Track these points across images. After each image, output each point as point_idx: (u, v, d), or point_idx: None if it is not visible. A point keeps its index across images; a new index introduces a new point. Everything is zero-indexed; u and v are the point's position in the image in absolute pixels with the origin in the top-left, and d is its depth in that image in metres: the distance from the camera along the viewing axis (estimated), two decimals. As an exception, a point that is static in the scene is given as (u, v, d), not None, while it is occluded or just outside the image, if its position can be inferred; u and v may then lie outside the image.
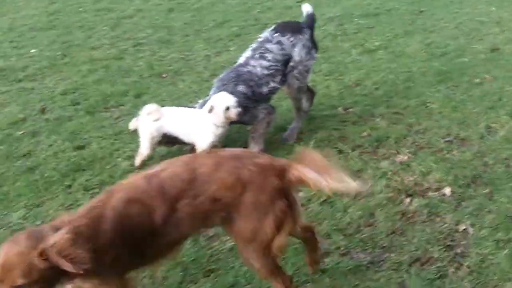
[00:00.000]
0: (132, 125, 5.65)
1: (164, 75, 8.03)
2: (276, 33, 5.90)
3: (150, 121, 5.45)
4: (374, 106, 6.81)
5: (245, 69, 5.75)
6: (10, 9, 11.76)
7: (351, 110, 6.75)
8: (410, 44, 9.06)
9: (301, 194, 4.96)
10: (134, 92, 7.40)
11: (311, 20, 6.21)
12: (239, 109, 5.36)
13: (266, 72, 5.72)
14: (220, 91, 5.58)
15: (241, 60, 5.89)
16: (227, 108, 5.30)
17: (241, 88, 5.61)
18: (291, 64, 5.88)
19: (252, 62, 5.76)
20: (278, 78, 5.80)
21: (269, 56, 5.76)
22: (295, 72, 5.93)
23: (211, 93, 5.71)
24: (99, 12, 11.43)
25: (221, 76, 5.89)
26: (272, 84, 5.76)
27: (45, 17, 11.10)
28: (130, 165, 5.57)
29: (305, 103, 6.28)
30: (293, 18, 10.42)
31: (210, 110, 5.31)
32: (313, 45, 6.08)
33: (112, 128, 6.43)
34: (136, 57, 8.82)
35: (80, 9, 11.69)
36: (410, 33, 9.70)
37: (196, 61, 8.60)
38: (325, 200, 4.89)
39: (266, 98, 5.81)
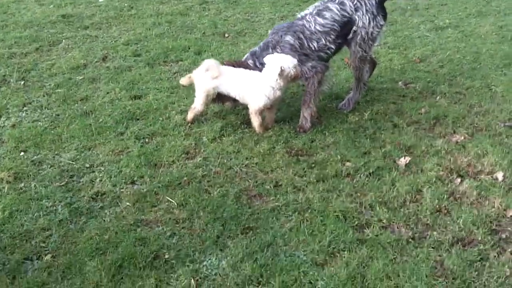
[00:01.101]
0: (183, 80, 5.67)
1: (226, 35, 8.02)
2: None
3: (207, 78, 5.44)
4: (436, 83, 6.63)
5: (300, 22, 5.66)
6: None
7: (411, 85, 6.59)
8: (482, 25, 8.73)
9: (348, 164, 4.93)
10: (195, 49, 7.41)
11: None
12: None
13: (319, 28, 5.57)
14: (269, 40, 5.59)
15: (300, 14, 5.82)
16: (294, 67, 5.25)
17: (288, 38, 5.54)
18: (354, 29, 5.72)
19: (309, 18, 5.65)
20: (332, 37, 5.61)
21: (327, 14, 5.61)
22: (358, 38, 5.73)
23: (261, 43, 5.69)
24: (170, -32, 11.46)
25: (276, 26, 5.84)
26: (323, 41, 5.59)
27: (117, -32, 11.20)
28: (182, 119, 5.61)
29: (365, 74, 6.14)
30: (364, -11, 10.29)
31: (281, 73, 5.25)
32: (380, 12, 5.83)
33: (169, 81, 6.47)
34: (201, 14, 8.83)
35: (152, -37, 11.74)
36: (483, 13, 9.36)
37: (260, 24, 8.54)
38: (373, 172, 4.83)
39: (316, 56, 5.64)
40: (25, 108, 5.82)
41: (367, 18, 5.69)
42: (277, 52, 5.51)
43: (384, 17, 5.88)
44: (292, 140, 5.35)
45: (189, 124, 5.54)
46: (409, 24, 8.74)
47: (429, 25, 8.72)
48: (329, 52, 5.70)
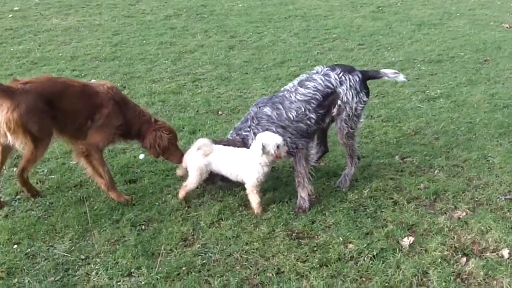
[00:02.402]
0: (179, 171, 5.67)
1: (220, 112, 8.01)
2: (327, 68, 5.79)
3: (199, 156, 5.40)
4: (433, 156, 6.59)
5: (281, 94, 5.67)
6: (74, 37, 11.98)
7: (408, 159, 6.55)
8: (473, 94, 8.78)
9: (351, 246, 4.82)
10: (189, 128, 7.38)
11: (375, 74, 6.06)
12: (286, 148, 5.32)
13: (300, 97, 5.53)
14: (249, 113, 5.63)
15: (284, 87, 5.82)
16: (277, 147, 5.21)
17: (266, 109, 5.52)
18: (339, 103, 5.68)
19: (291, 88, 5.65)
20: (312, 106, 5.54)
21: (310, 84, 5.59)
22: (344, 114, 5.70)
23: (243, 118, 5.70)
24: (162, 46, 11.54)
25: (259, 99, 5.84)
26: (302, 110, 5.51)
27: (109, 47, 11.26)
28: (179, 203, 5.51)
29: (356, 149, 6.08)
30: (354, 61, 10.41)
31: (263, 150, 5.22)
32: (363, 89, 5.81)
33: (164, 163, 6.38)
34: (194, 92, 8.83)
35: (144, 42, 11.83)
36: (474, 82, 9.42)
37: (253, 100, 8.52)
38: (377, 254, 4.72)
39: (295, 127, 5.54)
40: (18, 197, 5.69)
41: (351, 93, 5.67)
42: (254, 124, 5.51)
43: (367, 94, 5.87)
44: (292, 221, 5.26)
45: (186, 208, 5.45)
46: (401, 96, 8.78)
47: (421, 96, 8.75)
48: (309, 122, 5.59)
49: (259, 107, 5.58)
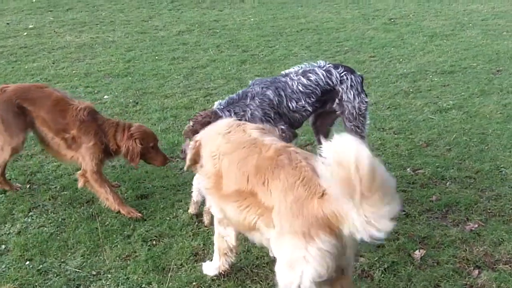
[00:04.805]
0: (191, 210, 5.62)
1: (231, 127, 8.01)
2: (330, 64, 5.78)
3: None
4: (445, 168, 6.56)
5: (283, 79, 5.61)
6: (87, 54, 12.09)
7: (420, 171, 6.52)
8: (486, 105, 8.73)
9: (362, 259, 4.80)
10: (201, 143, 7.38)
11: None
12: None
13: (302, 88, 5.52)
14: (249, 90, 5.47)
15: (286, 71, 5.80)
16: None
17: (269, 92, 5.44)
18: (341, 100, 5.68)
19: (293, 76, 5.61)
20: (311, 100, 5.55)
21: (312, 77, 5.58)
22: (347, 113, 5.72)
23: (240, 91, 5.58)
24: (174, 61, 11.61)
25: (258, 78, 5.80)
26: (302, 102, 5.51)
27: (122, 64, 11.34)
28: (190, 218, 5.53)
29: None
30: (365, 73, 10.41)
31: None
32: (364, 91, 5.84)
33: (175, 178, 6.42)
34: (206, 107, 8.84)
35: (156, 58, 11.91)
36: (486, 92, 9.37)
37: (265, 114, 8.56)
38: (388, 267, 4.70)
39: (290, 117, 5.55)
40: (30, 213, 5.74)
41: (352, 93, 5.68)
42: (254, 104, 5.37)
43: (366, 96, 5.89)
44: (302, 235, 5.24)
45: (197, 223, 5.45)
46: (413, 107, 8.75)
47: (433, 107, 8.72)
48: (304, 114, 5.64)
49: (262, 88, 5.48)
